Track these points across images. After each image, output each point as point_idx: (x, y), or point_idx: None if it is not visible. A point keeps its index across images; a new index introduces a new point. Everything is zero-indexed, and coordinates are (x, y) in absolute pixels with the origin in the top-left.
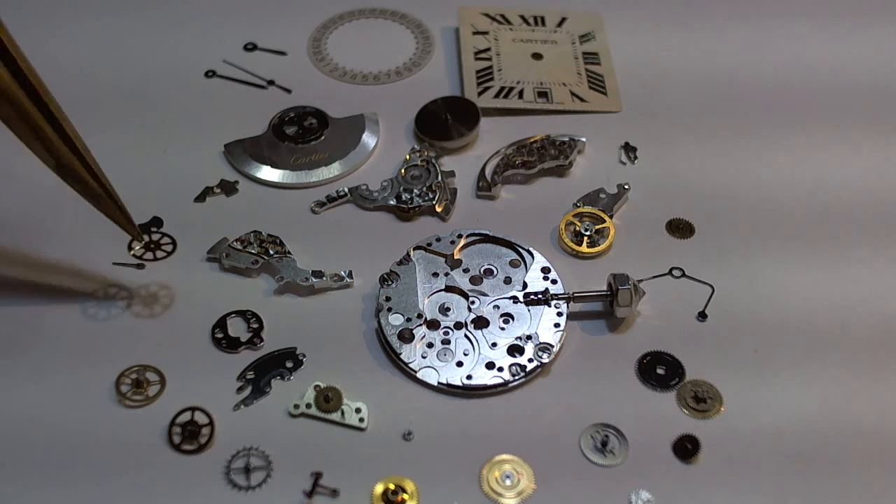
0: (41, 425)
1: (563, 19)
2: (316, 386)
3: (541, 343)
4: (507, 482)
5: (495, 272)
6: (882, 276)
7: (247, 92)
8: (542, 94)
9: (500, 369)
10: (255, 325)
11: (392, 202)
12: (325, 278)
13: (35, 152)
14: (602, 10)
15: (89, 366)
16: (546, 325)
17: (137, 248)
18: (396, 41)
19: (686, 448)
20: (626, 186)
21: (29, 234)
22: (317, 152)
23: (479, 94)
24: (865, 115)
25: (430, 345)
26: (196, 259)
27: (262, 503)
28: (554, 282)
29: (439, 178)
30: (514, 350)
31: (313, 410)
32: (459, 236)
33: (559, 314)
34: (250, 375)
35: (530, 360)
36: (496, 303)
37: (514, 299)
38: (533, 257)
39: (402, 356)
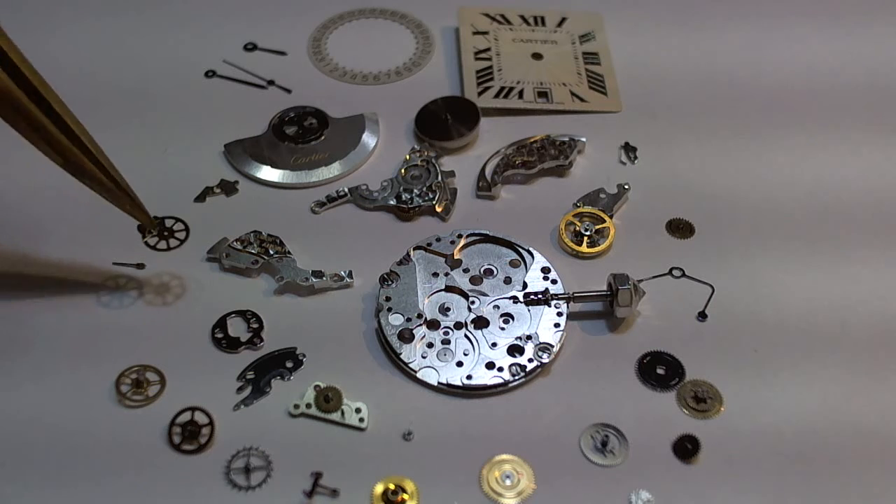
0: (41, 425)
1: (563, 19)
2: (316, 386)
3: (541, 343)
4: (507, 482)
5: (495, 272)
6: (882, 276)
7: (247, 92)
8: (542, 94)
9: (500, 369)
10: (255, 325)
11: (392, 202)
12: (325, 278)
13: (41, 150)
14: (602, 10)
15: (89, 366)
16: (546, 325)
17: (151, 236)
18: (396, 41)
19: (686, 448)
20: (626, 186)
21: (29, 233)
22: (317, 152)
23: (479, 94)
24: (865, 115)
25: (430, 345)
26: (196, 259)
27: (262, 503)
28: (554, 282)
29: (439, 178)
30: (514, 350)
31: (313, 410)
32: (459, 236)
33: (559, 314)
34: (250, 375)
35: (530, 360)
36: (496, 303)
37: (514, 299)
38: (533, 257)
39: (402, 356)
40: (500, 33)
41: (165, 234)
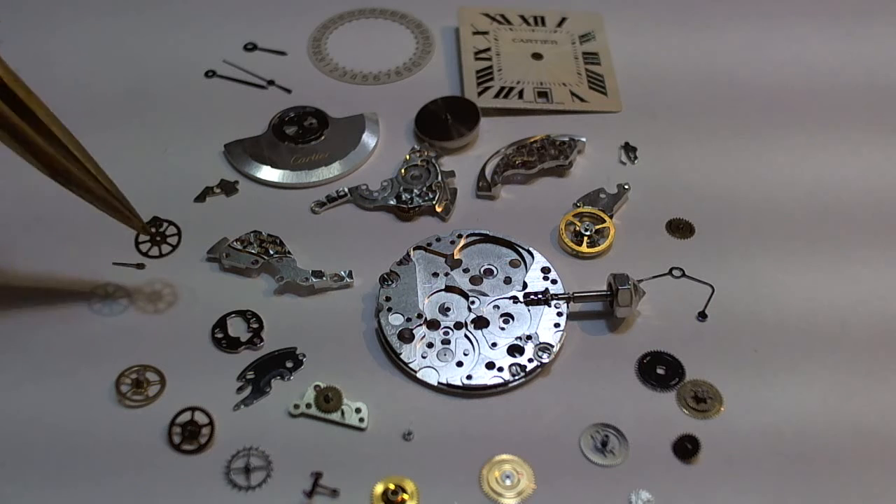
0: (41, 425)
1: (563, 19)
2: (316, 386)
3: (541, 343)
4: (507, 482)
5: (495, 272)
6: (882, 276)
7: (247, 92)
8: (542, 94)
9: (500, 369)
10: (255, 325)
11: (392, 202)
12: (325, 278)
13: (27, 161)
14: (602, 10)
15: (89, 366)
16: (546, 325)
17: (143, 241)
18: (396, 41)
19: (686, 448)
20: (626, 186)
21: (29, 233)
22: (317, 152)
23: (479, 94)
24: (865, 115)
25: (430, 345)
26: (196, 259)
27: (262, 503)
28: (554, 282)
29: (439, 178)
30: (514, 350)
31: (313, 410)
32: (459, 236)
33: (559, 314)
34: (250, 375)
35: (530, 360)
36: (496, 303)
37: (514, 299)
38: (533, 257)
39: (402, 356)
40: (500, 33)
41: (158, 238)
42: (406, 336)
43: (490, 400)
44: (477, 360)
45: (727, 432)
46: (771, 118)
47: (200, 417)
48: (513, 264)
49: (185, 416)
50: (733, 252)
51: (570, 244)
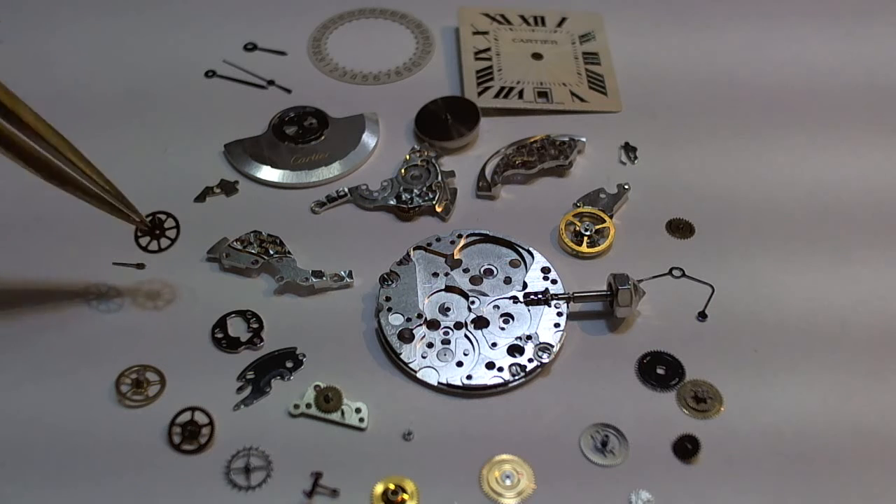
0: (41, 425)
1: (563, 19)
2: (316, 386)
3: (541, 343)
4: (507, 482)
5: (495, 272)
6: (882, 277)
7: (247, 92)
8: (542, 94)
9: (500, 369)
10: (255, 325)
11: (392, 202)
12: (325, 278)
13: (18, 165)
14: (602, 10)
15: (89, 366)
16: (546, 325)
17: (142, 236)
18: (396, 41)
19: (686, 448)
20: (626, 186)
21: (29, 233)
22: (317, 152)
23: (479, 94)
24: (865, 116)
25: (430, 345)
26: (196, 259)
27: (262, 503)
28: (554, 282)
29: (439, 178)
30: (514, 350)
31: (313, 410)
32: (459, 236)
33: (559, 314)
34: (250, 375)
35: (530, 360)
36: (496, 303)
37: (514, 299)
38: (533, 257)
39: (402, 356)
40: (500, 33)
41: (157, 233)
42: (406, 336)
43: (490, 400)
44: (477, 360)
45: (727, 432)
46: (771, 118)
47: (200, 417)
48: (513, 264)
49: (185, 416)
50: (733, 252)
51: (570, 244)
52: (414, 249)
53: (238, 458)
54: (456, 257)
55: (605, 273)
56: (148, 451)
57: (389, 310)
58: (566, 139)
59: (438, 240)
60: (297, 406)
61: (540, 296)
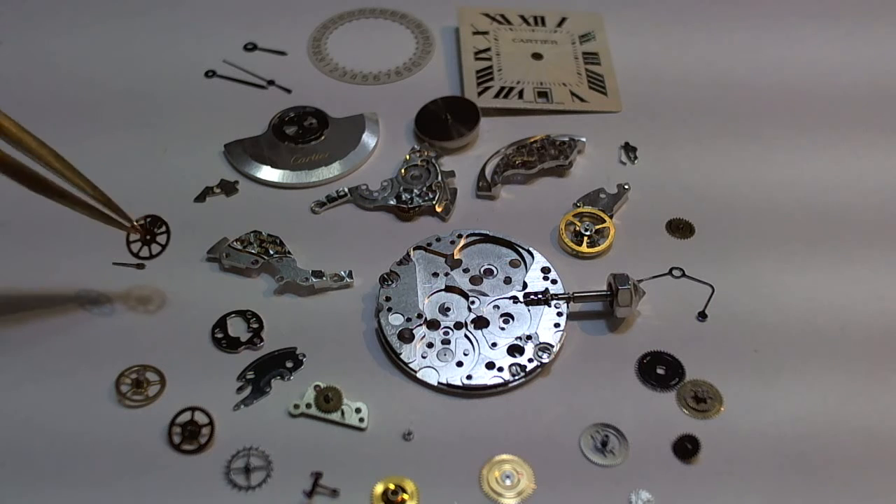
0: (41, 425)
1: (563, 19)
2: (316, 386)
3: (541, 343)
4: (507, 482)
5: (495, 272)
6: (882, 277)
7: (247, 92)
8: (542, 94)
9: (500, 369)
10: (255, 325)
11: (392, 202)
12: (325, 278)
13: (5, 176)
14: (602, 10)
15: (89, 366)
16: (546, 325)
17: (134, 241)
18: (396, 41)
19: (686, 448)
20: (626, 186)
21: (28, 233)
22: (317, 152)
23: (479, 94)
24: (865, 116)
25: (430, 345)
26: (196, 259)
27: (262, 503)
28: (554, 282)
29: (439, 178)
30: (514, 350)
31: (313, 410)
32: (459, 236)
33: (559, 314)
34: (250, 375)
35: (530, 360)
36: (496, 303)
37: (514, 299)
38: (533, 257)
39: (402, 356)
40: (500, 33)
41: (147, 238)
42: (406, 336)
43: (490, 400)
44: (477, 360)
45: (727, 432)
46: (771, 118)
47: (200, 417)
48: (513, 264)
49: (185, 416)
50: (733, 252)
51: (570, 244)
52: (414, 249)
53: (238, 458)
54: (456, 257)
55: (605, 273)
56: (148, 451)
57: (389, 310)
58: (566, 139)
59: (438, 240)
60: (297, 406)
61: (540, 296)
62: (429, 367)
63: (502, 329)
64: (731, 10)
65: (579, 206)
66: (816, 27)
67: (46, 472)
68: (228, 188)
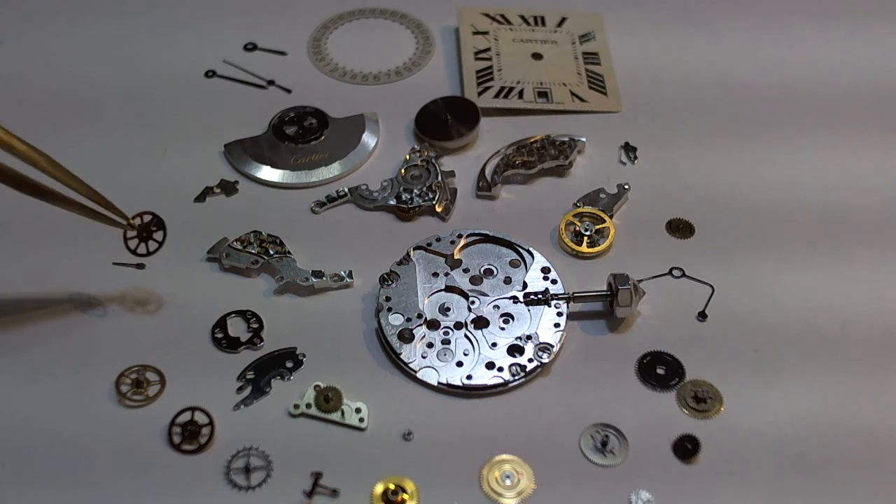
0: (41, 425)
1: (563, 19)
2: (316, 386)
3: (541, 343)
4: (507, 482)
5: (495, 272)
6: (882, 277)
7: (247, 92)
8: (542, 94)
9: (500, 369)
10: (255, 325)
11: (392, 202)
12: (325, 278)
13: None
14: (602, 10)
15: (89, 366)
16: (546, 325)
17: (131, 238)
18: (396, 41)
19: (686, 448)
20: (626, 186)
21: (28, 232)
22: (317, 152)
23: (479, 94)
24: (866, 116)
25: (430, 345)
26: (196, 259)
27: (262, 503)
28: (554, 282)
29: (439, 178)
30: (514, 350)
31: (313, 410)
32: (459, 236)
33: (559, 314)
34: (250, 375)
35: (530, 360)
36: (496, 303)
37: (514, 299)
38: (533, 257)
39: (402, 356)
40: (500, 33)
41: (143, 235)
42: (406, 336)
43: (490, 400)
44: (477, 360)
45: (727, 432)
46: (771, 118)
47: (200, 417)
48: (513, 264)
49: (185, 416)
50: (733, 252)
51: (570, 244)
52: (414, 249)
53: (238, 458)
54: (456, 257)
55: (605, 273)
56: (148, 451)
57: (389, 310)
58: (566, 139)
59: (438, 240)
60: (297, 406)
61: (540, 296)
62: (429, 367)
63: (502, 329)
64: (731, 10)
65: (579, 206)
66: (816, 27)
67: (46, 472)
68: (228, 188)
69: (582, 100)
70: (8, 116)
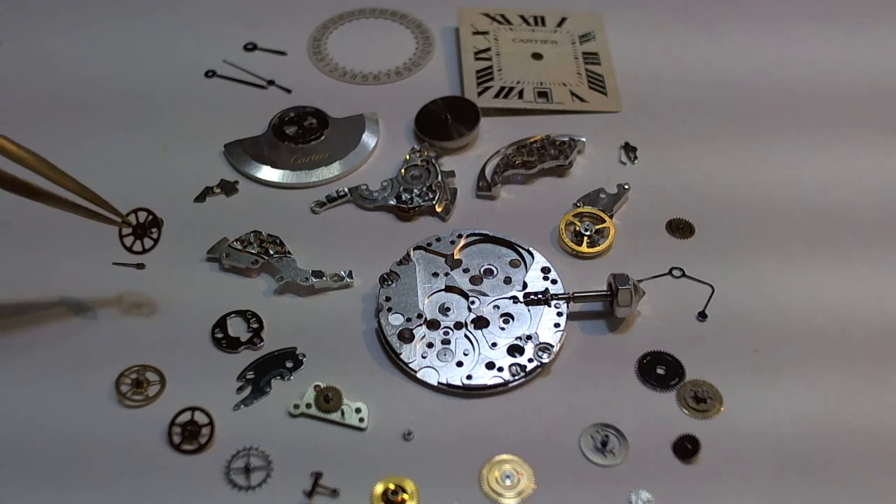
0: (41, 425)
1: (563, 19)
2: (316, 386)
3: (541, 343)
4: (507, 482)
5: (495, 272)
6: (882, 277)
7: (247, 92)
8: (542, 94)
9: (500, 369)
10: (255, 325)
11: (392, 202)
12: (325, 278)
13: None
14: (602, 10)
15: (89, 366)
16: (546, 325)
17: (127, 235)
18: (396, 41)
19: (686, 448)
20: (626, 186)
21: (27, 232)
22: (317, 152)
23: (479, 94)
24: (866, 116)
25: (430, 345)
26: (196, 259)
27: (262, 503)
28: (554, 282)
29: (439, 178)
30: (514, 350)
31: (313, 410)
32: (459, 236)
33: (559, 314)
34: (250, 375)
35: (530, 360)
36: (496, 303)
37: (514, 299)
38: (533, 257)
39: (402, 356)
40: (500, 33)
41: (139, 232)
42: (406, 336)
43: (490, 400)
44: (477, 360)
45: (727, 432)
46: (771, 118)
47: (200, 417)
48: (513, 264)
49: (185, 416)
50: (733, 252)
51: (570, 244)
52: (414, 249)
53: (238, 458)
54: (456, 257)
55: (605, 273)
56: (148, 451)
57: (389, 310)
58: (566, 139)
59: (438, 240)
60: (297, 406)
61: (540, 296)
62: (429, 367)
63: (502, 329)
64: (731, 10)
65: (579, 206)
66: (816, 27)
67: (46, 472)
68: (228, 188)
69: (582, 100)
70: (8, 116)
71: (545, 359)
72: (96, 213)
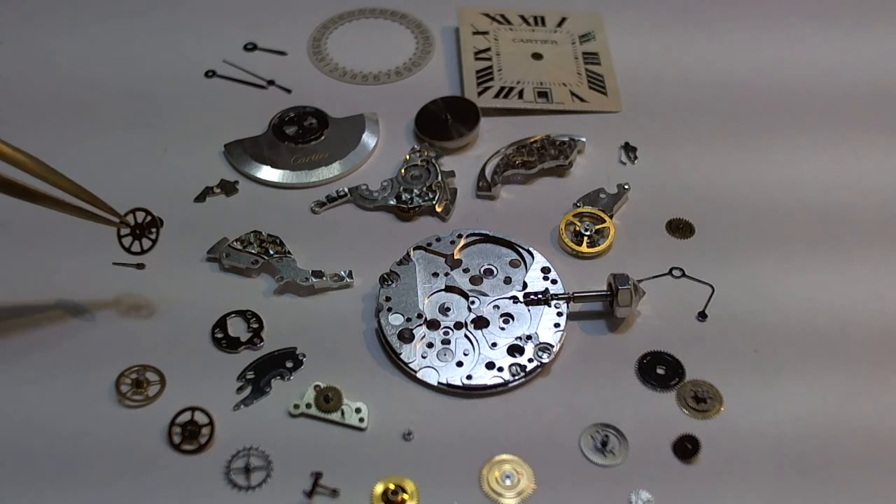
0: (41, 425)
1: (563, 19)
2: (316, 386)
3: (541, 343)
4: (507, 482)
5: (495, 272)
6: (882, 277)
7: (247, 92)
8: (542, 94)
9: (500, 369)
10: (255, 325)
11: (392, 202)
12: (325, 278)
13: None
14: (602, 10)
15: (89, 366)
16: (546, 325)
17: (125, 235)
18: (396, 41)
19: (686, 448)
20: (626, 186)
21: (27, 232)
22: (317, 152)
23: (479, 94)
24: (866, 116)
25: (430, 345)
26: (196, 259)
27: (262, 503)
28: (554, 282)
29: (439, 178)
30: (514, 350)
31: (313, 410)
32: (459, 236)
33: (559, 314)
34: (250, 375)
35: (530, 360)
36: (496, 303)
37: (514, 299)
38: (533, 257)
39: (402, 356)
40: (500, 33)
41: (137, 233)
42: (406, 336)
43: (490, 400)
44: (477, 360)
45: (727, 432)
46: (771, 118)
47: (200, 417)
48: (513, 264)
49: (185, 416)
50: (733, 252)
51: (570, 244)
52: (414, 249)
53: (238, 458)
54: (456, 257)
55: (605, 273)
56: (148, 451)
57: (389, 310)
58: (566, 139)
59: (438, 240)
60: (297, 406)
61: (540, 296)
62: (429, 367)
63: (502, 329)
64: (731, 10)
65: (579, 206)
66: (816, 27)
67: (46, 472)
68: (228, 188)
69: (582, 100)
70: (8, 116)
71: (545, 359)
72: (93, 214)
